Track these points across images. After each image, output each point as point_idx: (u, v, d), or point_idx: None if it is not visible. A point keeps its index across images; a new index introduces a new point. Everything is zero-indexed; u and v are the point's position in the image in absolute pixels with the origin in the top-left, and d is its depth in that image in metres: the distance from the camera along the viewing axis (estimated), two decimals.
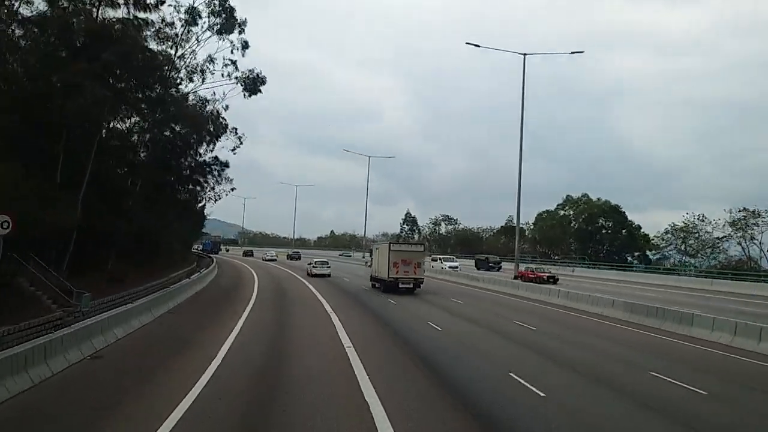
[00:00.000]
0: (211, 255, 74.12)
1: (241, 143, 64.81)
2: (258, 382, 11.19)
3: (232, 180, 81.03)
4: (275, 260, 72.42)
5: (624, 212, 67.80)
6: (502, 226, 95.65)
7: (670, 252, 61.31)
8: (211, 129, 36.63)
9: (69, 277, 22.33)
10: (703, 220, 57.22)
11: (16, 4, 22.58)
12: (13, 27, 22.77)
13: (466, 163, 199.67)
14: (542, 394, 10.18)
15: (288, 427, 8.29)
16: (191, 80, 35.84)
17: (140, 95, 27.40)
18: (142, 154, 33.60)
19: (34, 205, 18.94)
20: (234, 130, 60.10)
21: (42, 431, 8.20)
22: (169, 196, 36.62)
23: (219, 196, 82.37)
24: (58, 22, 22.71)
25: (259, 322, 19.66)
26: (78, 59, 22.41)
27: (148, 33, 29.90)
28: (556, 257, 79.59)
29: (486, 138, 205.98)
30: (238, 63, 36.26)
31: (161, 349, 14.05)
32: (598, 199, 71.05)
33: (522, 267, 41.73)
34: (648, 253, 66.14)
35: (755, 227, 53.01)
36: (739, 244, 54.94)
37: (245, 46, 35.95)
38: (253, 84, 36.83)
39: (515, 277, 36.64)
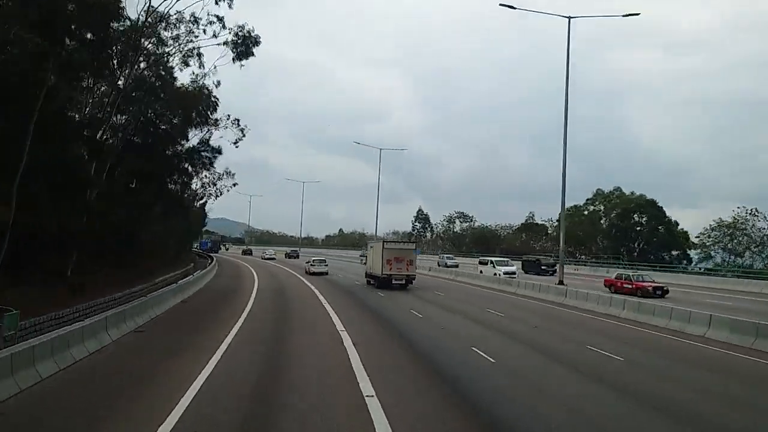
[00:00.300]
0: (211, 254, 72.91)
1: (244, 135, 60.51)
2: None
3: (233, 175, 77.48)
4: (274, 259, 73.08)
5: (661, 207, 62.61)
6: (522, 224, 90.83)
7: (716, 251, 56.09)
8: (201, 109, 31.55)
9: (3, 286, 17.92)
10: (755, 214, 52.03)
11: None
12: None
13: (474, 161, 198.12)
14: None
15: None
16: (163, 42, 29.21)
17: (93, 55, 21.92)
18: (110, 136, 28.46)
19: None
20: (236, 122, 55.81)
21: None
22: (155, 189, 31.73)
23: (220, 191, 79.22)
24: None
25: (252, 339, 15.38)
26: None
27: None
28: (583, 256, 74.65)
29: (497, 137, 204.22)
30: (225, 20, 29.95)
31: (95, 399, 9.78)
32: (632, 192, 65.90)
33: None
34: (690, 252, 60.97)
35: None
36: None
37: None
38: (244, 46, 30.82)
39: (560, 282, 31.47)
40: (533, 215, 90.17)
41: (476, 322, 20.26)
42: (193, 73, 31.62)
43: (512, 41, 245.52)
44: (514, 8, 28.34)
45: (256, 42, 31.46)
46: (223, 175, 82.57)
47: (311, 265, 44.26)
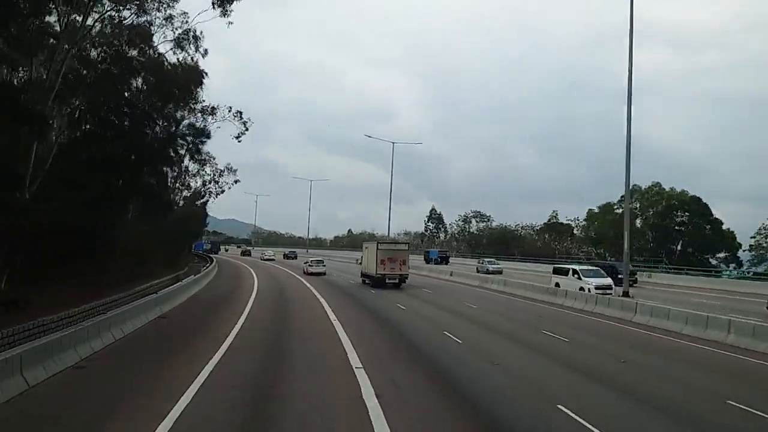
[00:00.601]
0: (211, 255, 72.90)
1: (247, 129, 56.58)
2: None
3: (236, 171, 74.00)
4: (273, 260, 74.64)
5: (707, 204, 57.17)
6: (545, 224, 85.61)
7: None
8: (183, 82, 26.60)
9: None
10: None
11: None
12: None
13: (484, 162, 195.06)
14: None
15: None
16: None
17: None
18: (61, 111, 22.99)
19: None
20: (238, 114, 51.84)
21: None
22: (128, 181, 26.68)
23: (222, 189, 75.29)
24: None
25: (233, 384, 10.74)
26: None
27: None
28: (612, 258, 69.33)
29: (505, 136, 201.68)
30: None
31: None
32: (671, 188, 60.45)
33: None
34: (740, 254, 55.52)
35: None
36: None
37: None
38: None
39: (624, 294, 26.15)
40: (557, 214, 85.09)
41: (536, 351, 15.51)
42: (174, 42, 26.33)
43: (513, 41, 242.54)
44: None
45: None
46: (224, 171, 78.97)
47: (309, 265, 45.61)
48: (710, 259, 57.33)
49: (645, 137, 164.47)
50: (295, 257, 78.09)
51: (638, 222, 63.45)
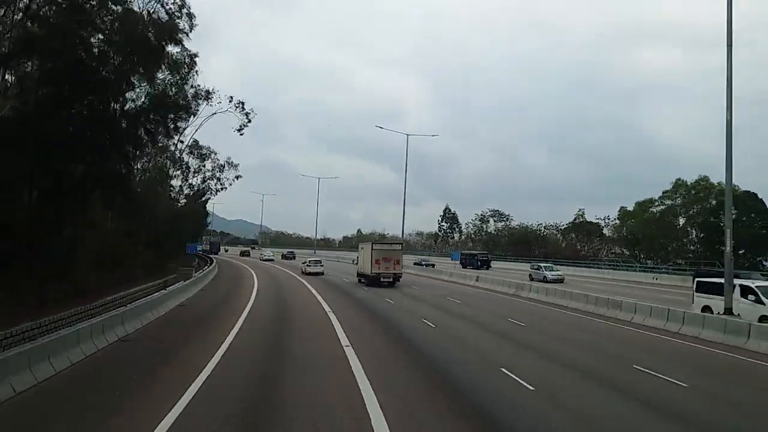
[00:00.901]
0: (210, 256, 72.61)
1: (249, 120, 53.00)
2: None
3: (237, 166, 70.19)
4: (272, 260, 76.04)
5: (763, 201, 51.38)
6: (570, 223, 79.98)
7: None
8: (154, 42, 21.19)
9: None
10: None
11: None
12: None
13: (493, 161, 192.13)
14: None
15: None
16: None
17: None
18: None
19: None
20: (240, 105, 48.14)
21: None
22: (94, 167, 20.72)
23: (222, 185, 71.33)
24: None
25: None
26: None
27: None
28: (648, 261, 63.80)
29: (515, 136, 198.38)
30: None
31: None
32: (720, 183, 54.64)
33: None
34: None
35: None
36: None
37: None
38: None
39: (726, 311, 18.47)
40: (583, 213, 79.37)
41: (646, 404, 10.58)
42: None
43: (524, 40, 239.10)
44: None
45: None
46: (224, 165, 74.72)
47: (307, 265, 46.71)
48: (763, 262, 51.71)
49: (655, 137, 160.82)
50: (294, 257, 79.44)
51: (681, 220, 57.88)
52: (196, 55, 43.35)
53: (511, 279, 37.87)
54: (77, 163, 18.96)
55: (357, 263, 41.36)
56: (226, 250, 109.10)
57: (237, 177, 70.74)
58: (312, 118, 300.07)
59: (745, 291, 19.49)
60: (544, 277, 41.81)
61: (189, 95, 38.28)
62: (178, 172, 72.20)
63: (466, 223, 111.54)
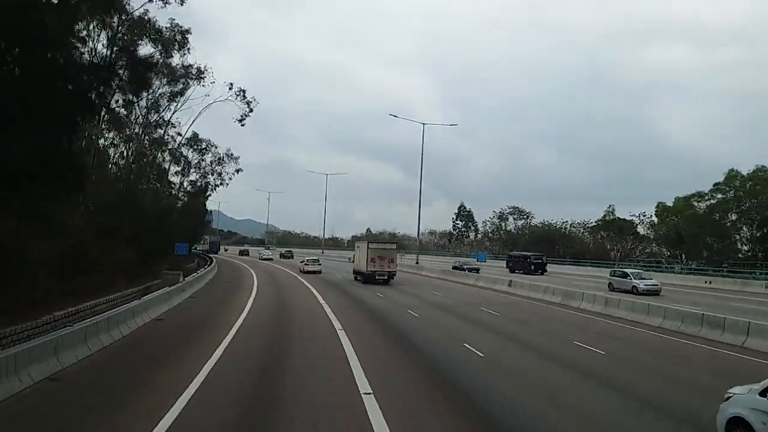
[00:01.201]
0: (210, 255, 72.25)
1: (251, 110, 49.19)
2: None
3: (237, 158, 66.67)
4: (271, 259, 76.58)
5: None
6: (600, 220, 74.08)
7: None
8: None
9: None
10: None
11: None
12: None
13: (501, 160, 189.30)
14: None
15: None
16: None
17: None
18: None
19: None
20: (241, 93, 43.98)
21: None
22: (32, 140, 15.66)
23: (222, 178, 67.42)
24: None
25: None
26: None
27: None
28: (691, 262, 58.08)
29: (523, 137, 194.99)
30: None
31: None
32: None
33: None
34: None
35: None
36: None
37: None
38: None
39: None
40: (614, 209, 73.59)
41: None
42: None
43: (529, 41, 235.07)
44: None
45: None
46: (223, 157, 70.33)
47: (305, 264, 47.63)
48: None
49: (665, 137, 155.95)
50: (292, 257, 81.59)
51: (732, 216, 52.17)
52: (188, 32, 38.87)
53: (572, 287, 30.36)
54: (13, 138, 14.21)
55: (354, 261, 42.88)
56: (226, 250, 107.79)
57: (237, 171, 67.91)
58: (320, 118, 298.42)
59: None
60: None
61: (178, 72, 33.99)
62: (177, 168, 68.04)
63: (483, 221, 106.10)
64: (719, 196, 52.21)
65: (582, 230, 78.82)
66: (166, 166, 62.96)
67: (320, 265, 48.12)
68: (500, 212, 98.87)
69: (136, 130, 39.88)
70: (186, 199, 74.07)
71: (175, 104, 41.29)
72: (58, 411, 9.39)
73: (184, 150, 66.88)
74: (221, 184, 68.50)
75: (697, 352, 15.68)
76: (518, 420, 9.14)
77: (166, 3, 32.02)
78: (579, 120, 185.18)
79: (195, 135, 65.76)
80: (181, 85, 37.61)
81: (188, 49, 38.10)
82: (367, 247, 36.53)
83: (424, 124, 61.19)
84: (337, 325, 18.79)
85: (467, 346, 15.34)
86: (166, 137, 54.60)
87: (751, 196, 49.70)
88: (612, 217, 71.42)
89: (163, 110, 41.16)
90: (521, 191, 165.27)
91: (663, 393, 10.99)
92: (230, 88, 51.67)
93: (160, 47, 27.86)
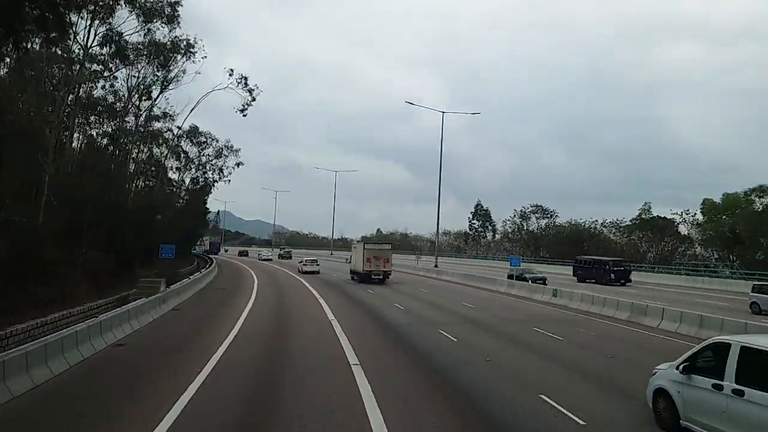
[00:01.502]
0: (210, 256, 73.33)
1: (254, 98, 46.00)
2: None
3: (238, 151, 63.67)
4: (271, 260, 76.96)
5: None
6: (636, 219, 68.18)
7: None
8: None
9: None
10: None
11: None
12: None
13: (511, 161, 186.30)
14: None
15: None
16: None
17: None
18: None
19: None
20: (243, 80, 40.52)
21: None
22: None
23: (222, 172, 64.42)
24: None
25: None
26: None
27: None
28: (736, 262, 52.56)
29: (533, 135, 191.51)
30: None
31: None
32: None
33: None
34: None
35: None
36: None
37: None
38: None
39: None
40: (650, 207, 67.83)
41: None
42: None
43: (533, 40, 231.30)
44: None
45: None
46: (222, 149, 66.28)
47: (304, 264, 48.48)
48: None
49: (675, 138, 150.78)
50: (290, 257, 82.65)
51: None
52: (178, 3, 34.82)
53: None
54: None
55: (350, 262, 43.76)
56: (226, 251, 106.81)
57: (238, 164, 65.85)
58: (327, 118, 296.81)
59: None
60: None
61: (165, 45, 29.92)
62: (176, 162, 64.05)
63: (503, 221, 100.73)
64: None
65: (614, 230, 73.07)
66: (164, 162, 59.09)
67: (318, 265, 48.72)
68: (521, 211, 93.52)
69: (130, 122, 35.91)
70: (186, 197, 70.22)
71: (159, 78, 37.14)
72: None
73: (183, 145, 63.16)
74: (221, 179, 65.57)
75: None
76: None
77: None
78: (589, 119, 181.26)
79: (194, 128, 61.77)
80: (164, 59, 33.40)
81: (178, 22, 33.93)
82: (363, 248, 37.44)
83: (443, 112, 56.92)
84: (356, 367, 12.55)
85: (545, 398, 10.43)
86: (157, 125, 50.61)
87: None
88: (649, 216, 65.65)
89: (156, 97, 37.30)
90: (533, 190, 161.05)
91: None
92: (230, 75, 47.43)
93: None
